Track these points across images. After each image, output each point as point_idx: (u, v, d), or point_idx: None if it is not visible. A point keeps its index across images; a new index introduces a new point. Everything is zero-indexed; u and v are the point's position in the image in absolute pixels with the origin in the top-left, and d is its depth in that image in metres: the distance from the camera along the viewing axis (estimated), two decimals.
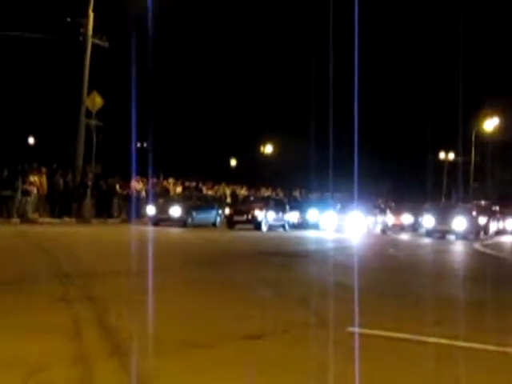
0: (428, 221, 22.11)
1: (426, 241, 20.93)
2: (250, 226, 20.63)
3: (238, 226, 20.67)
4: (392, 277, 10.02)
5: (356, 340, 4.14)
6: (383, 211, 25.29)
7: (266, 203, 21.54)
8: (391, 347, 4.14)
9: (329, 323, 4.93)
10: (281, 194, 26.97)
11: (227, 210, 21.95)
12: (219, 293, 7.05)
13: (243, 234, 19.07)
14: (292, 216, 22.67)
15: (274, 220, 21.34)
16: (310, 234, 20.83)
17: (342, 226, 21.69)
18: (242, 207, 21.74)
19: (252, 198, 24.57)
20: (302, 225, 22.92)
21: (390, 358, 3.77)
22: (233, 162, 36.76)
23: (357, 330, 4.44)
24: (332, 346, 3.93)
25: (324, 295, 6.99)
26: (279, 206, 22.37)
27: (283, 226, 22.03)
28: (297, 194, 28.75)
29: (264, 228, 20.23)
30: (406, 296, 7.56)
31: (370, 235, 21.87)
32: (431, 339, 4.35)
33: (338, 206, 23.33)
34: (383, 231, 23.86)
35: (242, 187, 27.43)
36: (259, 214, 20.14)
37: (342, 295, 6.83)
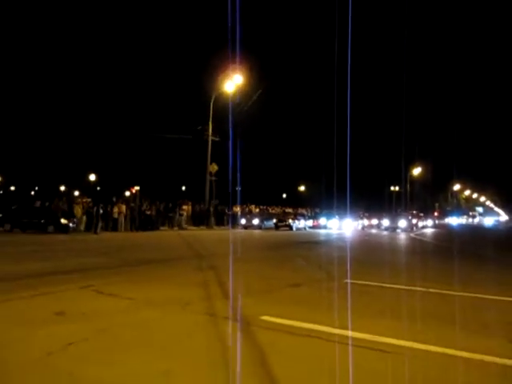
0: (385, 222, 37.97)
1: (385, 233, 35.03)
2: (287, 228, 34.41)
3: (281, 228, 34.58)
4: (368, 251, 16.90)
5: (349, 286, 7.37)
6: (362, 218, 45.59)
7: (294, 215, 37.45)
8: (367, 290, 7.35)
9: (334, 278, 8.44)
10: (305, 211, 43.18)
11: (274, 220, 36.36)
12: (276, 263, 11.52)
13: (284, 233, 30.83)
14: (309, 222, 39.84)
15: (299, 224, 35.97)
16: (321, 231, 35.25)
17: (340, 226, 38.44)
18: (282, 218, 36.65)
19: (287, 212, 41.42)
20: (316, 227, 39.38)
21: (365, 294, 6.93)
22: (284, 195, 63.86)
23: (349, 281, 7.89)
24: (336, 289, 7.11)
25: (331, 263, 11.10)
26: (302, 217, 38.93)
27: (304, 228, 36.99)
28: (317, 210, 50.11)
29: (293, 229, 34.37)
30: (375, 261, 12.46)
31: (355, 231, 37.69)
32: (387, 285, 7.70)
33: (338, 216, 40.47)
34: (362, 228, 41.44)
35: (288, 207, 44.20)
36: (291, 221, 34.95)
37: (341, 262, 11.03)
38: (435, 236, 33.38)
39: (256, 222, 35.80)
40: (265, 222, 35.59)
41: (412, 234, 32.17)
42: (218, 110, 33.26)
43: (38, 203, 25.96)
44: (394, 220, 39.01)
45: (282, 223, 34.83)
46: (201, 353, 3.88)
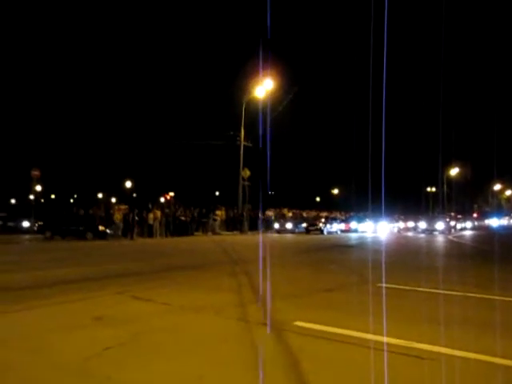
0: (422, 224, 36.33)
1: (422, 235, 34.26)
2: (318, 232, 33.72)
3: (312, 232, 33.81)
4: (403, 254, 16.40)
5: (383, 291, 7.14)
6: (397, 221, 45.30)
7: (326, 219, 36.57)
8: (402, 294, 7.25)
9: (368, 282, 8.25)
10: (338, 214, 42.29)
11: (304, 224, 35.42)
12: (309, 267, 11.44)
13: (316, 237, 30.44)
14: (341, 226, 38.25)
15: (330, 228, 35.43)
16: (353, 235, 34.13)
17: (375, 229, 38.06)
18: (313, 222, 36.03)
19: (318, 216, 40.44)
20: (348, 231, 38.09)
21: (400, 298, 6.84)
22: (317, 198, 59.84)
23: (384, 285, 7.71)
24: (369, 294, 6.94)
25: (365, 266, 10.69)
26: (334, 220, 38.03)
27: (336, 232, 35.98)
28: (351, 213, 48.18)
29: (325, 233, 33.91)
30: (411, 265, 12.14)
31: (390, 234, 37.39)
32: (423, 289, 7.52)
33: (371, 219, 40.18)
34: (398, 231, 41.00)
35: (321, 210, 43.76)
36: (322, 225, 34.53)
37: (375, 266, 10.66)
38: (474, 238, 32.35)
39: (289, 226, 35.29)
40: (298, 226, 35.06)
41: (450, 237, 31.38)
42: (250, 116, 33.49)
43: (81, 211, 26.75)
44: (430, 222, 38.52)
45: (313, 227, 34.28)
46: (234, 358, 3.91)
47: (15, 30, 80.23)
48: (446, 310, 5.95)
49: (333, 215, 41.75)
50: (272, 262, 11.09)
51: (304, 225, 34.80)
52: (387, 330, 4.68)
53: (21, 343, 4.34)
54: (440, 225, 37.40)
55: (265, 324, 5.08)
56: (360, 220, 39.92)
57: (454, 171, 60.70)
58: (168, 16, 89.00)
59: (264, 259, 12.36)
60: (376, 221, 39.41)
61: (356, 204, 49.91)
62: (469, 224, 52.86)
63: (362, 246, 22.26)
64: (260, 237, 29.33)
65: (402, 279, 8.69)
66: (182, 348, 4.23)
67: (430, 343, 4.23)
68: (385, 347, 4.14)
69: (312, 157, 68.44)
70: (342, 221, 39.82)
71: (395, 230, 41.85)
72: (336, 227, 36.49)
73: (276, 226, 35.55)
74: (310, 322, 5.09)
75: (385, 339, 4.37)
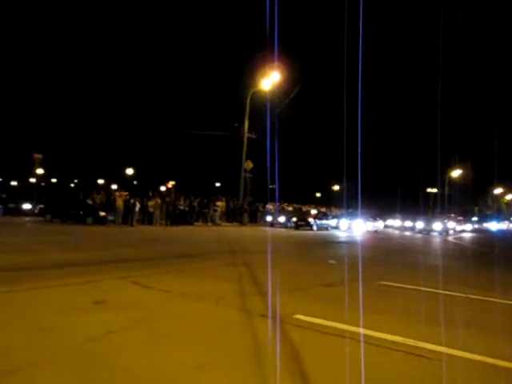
0: (419, 224, 35.01)
1: (419, 235, 33.98)
2: (308, 228, 31.30)
3: (302, 228, 31.37)
4: (402, 254, 16.41)
5: (383, 288, 7.45)
6: (376, 220, 40.06)
7: (316, 214, 34.31)
8: (402, 292, 7.25)
9: (367, 279, 8.22)
10: (329, 210, 41.56)
11: (294, 219, 32.95)
12: (307, 261, 11.46)
13: (309, 233, 28.62)
14: (333, 222, 35.59)
15: (320, 224, 32.72)
16: (341, 232, 31.96)
17: (350, 227, 34.88)
18: (302, 216, 33.36)
19: (307, 211, 37.26)
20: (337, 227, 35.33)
21: (402, 298, 6.78)
22: (318, 194, 58.68)
23: (384, 283, 7.88)
24: (369, 291, 7.06)
25: (363, 264, 10.92)
26: (325, 216, 35.26)
27: (327, 228, 33.37)
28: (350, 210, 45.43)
29: (314, 228, 31.30)
30: (410, 264, 12.24)
31: (367, 232, 34.13)
32: (424, 288, 7.46)
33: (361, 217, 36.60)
34: (375, 231, 36.34)
35: (322, 206, 43.60)
36: (311, 220, 32.02)
37: (374, 263, 11.35)
38: (474, 240, 32.41)
39: (282, 219, 33.90)
40: (290, 221, 33.26)
41: (450, 238, 31.42)
42: (254, 108, 33.30)
43: (82, 196, 26.77)
44: (428, 222, 37.80)
45: (303, 222, 32.22)
46: (235, 348, 3.91)
47: (16, 19, 79.77)
48: (446, 310, 5.94)
49: (324, 210, 40.69)
50: (272, 254, 11.11)
51: (294, 219, 33.02)
52: (387, 327, 4.70)
53: (21, 324, 4.34)
54: (437, 225, 36.85)
55: (266, 315, 5.08)
56: (350, 217, 37.97)
57: (455, 173, 60.39)
58: (176, 6, 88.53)
59: (264, 251, 12.37)
60: (367, 219, 37.44)
61: (354, 201, 50.22)
62: (469, 226, 52.90)
63: (357, 243, 22.19)
64: (261, 229, 29.28)
65: (401, 278, 8.69)
66: (183, 335, 4.23)
67: (429, 342, 4.23)
68: (383, 344, 4.15)
69: (313, 152, 68.39)
70: (334, 217, 37.52)
71: (372, 228, 37.67)
72: (326, 223, 33.96)
73: (268, 218, 34.29)
74: (310, 315, 5.10)
75: (384, 336, 4.39)
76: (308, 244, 19.52)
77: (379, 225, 40.72)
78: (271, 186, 32.84)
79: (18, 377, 3.08)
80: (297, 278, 8.48)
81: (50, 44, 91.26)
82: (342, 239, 23.61)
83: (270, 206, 36.91)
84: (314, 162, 68.34)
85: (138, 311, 5.04)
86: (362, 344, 4.16)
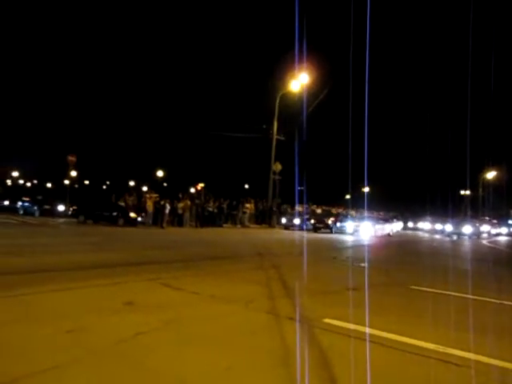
0: (448, 227, 34.26)
1: (447, 239, 32.16)
2: (327, 231, 29.83)
3: (320, 230, 29.92)
4: (432, 257, 16.99)
5: (413, 293, 7.29)
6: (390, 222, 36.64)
7: (336, 216, 32.81)
8: (433, 297, 6.99)
9: (397, 283, 8.41)
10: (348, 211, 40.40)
11: (312, 221, 31.56)
12: (334, 264, 11.36)
13: (328, 236, 27.28)
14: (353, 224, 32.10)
15: (340, 227, 30.85)
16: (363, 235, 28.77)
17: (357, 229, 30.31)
18: (321, 218, 31.82)
19: (327, 213, 35.41)
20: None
21: (432, 303, 6.49)
22: (347, 196, 59.02)
23: (414, 287, 7.73)
24: (399, 295, 7.13)
25: (393, 267, 11.26)
26: (346, 218, 32.73)
27: (344, 230, 30.48)
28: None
29: (333, 231, 29.80)
30: (441, 268, 11.81)
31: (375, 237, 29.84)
32: (455, 294, 7.28)
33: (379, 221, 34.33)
34: (383, 235, 31.82)
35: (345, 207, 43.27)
36: (331, 222, 30.71)
37: (403, 267, 11.43)
38: (509, 244, 31.41)
39: (297, 221, 31.68)
40: (306, 223, 31.30)
41: (484, 241, 30.49)
42: (283, 110, 33.24)
43: (113, 197, 27.30)
44: (457, 225, 34.94)
45: (321, 224, 30.73)
46: (263, 352, 3.91)
47: (52, 21, 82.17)
48: (479, 317, 5.77)
49: (343, 211, 39.64)
50: (301, 257, 11.05)
51: (312, 221, 31.32)
52: (417, 333, 4.61)
53: (56, 323, 4.45)
54: (467, 228, 34.25)
55: (294, 319, 5.06)
56: (360, 220, 35.63)
57: (490, 175, 58.07)
58: (206, 7, 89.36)
59: (292, 254, 12.32)
60: (398, 220, 36.39)
61: (385, 203, 49.25)
62: (504, 230, 50.93)
63: (384, 246, 21.82)
64: (290, 232, 29.10)
65: (432, 282, 8.48)
66: (212, 338, 4.26)
67: (460, 349, 4.13)
68: (414, 350, 4.08)
69: (344, 153, 67.79)
70: (356, 219, 36.10)
71: (385, 232, 33.39)
72: (345, 225, 31.27)
73: (283, 220, 32.85)
74: (339, 319, 5.05)
75: (414, 342, 4.31)
76: (332, 247, 19.34)
77: (395, 227, 37.53)
78: (300, 188, 32.61)
79: (52, 376, 3.16)
80: (325, 281, 8.43)
81: (87, 49, 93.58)
82: (365, 242, 23.27)
83: (298, 208, 36.73)
84: (343, 164, 67.77)
85: (167, 313, 5.10)
86: (391, 350, 4.09)
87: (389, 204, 51.39)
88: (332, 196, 54.26)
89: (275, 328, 4.69)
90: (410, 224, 43.59)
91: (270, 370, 3.46)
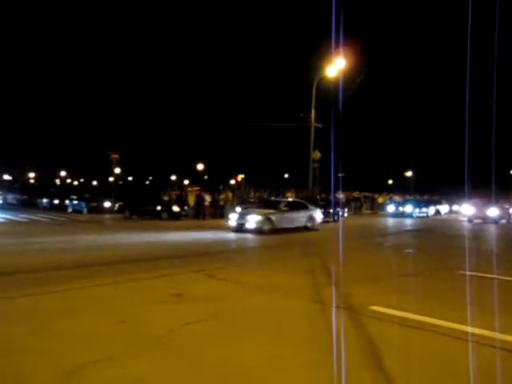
0: (469, 210, 28.15)
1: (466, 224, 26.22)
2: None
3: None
4: (481, 242, 17.14)
5: (466, 278, 6.82)
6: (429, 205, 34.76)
7: (413, 203, 32.86)
8: (487, 283, 6.77)
9: (447, 268, 8.10)
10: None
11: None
12: (380, 250, 11.27)
13: (399, 220, 26.12)
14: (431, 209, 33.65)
15: (419, 212, 31.75)
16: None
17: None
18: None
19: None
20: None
21: (487, 289, 6.31)
22: (390, 181, 57.03)
23: (466, 272, 7.31)
24: (450, 280, 6.92)
25: (441, 252, 10.94)
26: (422, 205, 33.28)
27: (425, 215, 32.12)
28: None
29: (413, 216, 30.50)
30: (485, 253, 11.32)
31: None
32: (500, 277, 7.09)
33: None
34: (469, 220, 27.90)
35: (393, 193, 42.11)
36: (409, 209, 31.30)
37: (454, 252, 10.81)
38: None
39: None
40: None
41: None
42: (321, 96, 32.71)
43: (162, 193, 27.90)
44: (481, 208, 28.04)
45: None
46: (310, 340, 3.91)
47: (78, 25, 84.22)
48: None
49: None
50: (344, 244, 10.90)
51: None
52: (471, 320, 4.45)
53: (109, 315, 4.62)
54: (493, 211, 27.57)
55: (340, 307, 5.01)
56: (417, 204, 35.47)
57: None
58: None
59: (336, 241, 12.18)
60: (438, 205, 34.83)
61: (432, 187, 47.80)
62: None
63: (434, 230, 21.05)
64: (330, 219, 28.78)
65: (486, 267, 8.09)
66: (259, 327, 4.29)
67: None
68: (469, 337, 3.93)
69: (385, 139, 66.00)
70: (398, 203, 33.81)
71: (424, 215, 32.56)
72: (422, 211, 31.72)
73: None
74: (387, 306, 4.96)
75: (469, 329, 4.15)
76: (375, 232, 18.94)
77: (439, 209, 35.98)
78: (340, 175, 32.24)
79: (109, 364, 3.29)
80: (371, 267, 8.27)
81: (127, 49, 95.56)
82: (408, 227, 22.60)
83: (339, 196, 36.34)
84: (384, 149, 66.03)
85: (213, 303, 5.18)
86: (442, 337, 3.99)
87: (438, 188, 49.65)
88: (374, 182, 53.31)
89: (321, 316, 4.66)
90: (456, 207, 41.44)
91: (318, 359, 3.45)
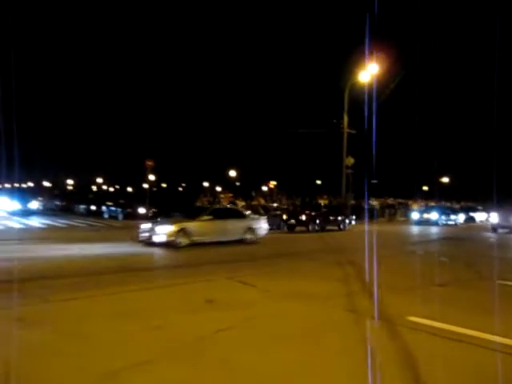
0: (494, 218, 25.46)
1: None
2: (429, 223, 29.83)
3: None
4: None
5: (503, 289, 6.71)
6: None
7: (438, 210, 32.23)
8: None
9: (484, 278, 7.90)
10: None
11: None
12: (415, 259, 10.87)
13: (426, 228, 27.15)
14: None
15: (446, 220, 31.20)
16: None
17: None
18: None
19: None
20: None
21: None
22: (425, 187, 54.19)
23: (501, 282, 7.13)
24: (487, 291, 6.52)
25: (478, 261, 10.48)
26: (449, 212, 32.82)
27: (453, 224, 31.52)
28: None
29: (439, 224, 30.07)
30: None
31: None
32: None
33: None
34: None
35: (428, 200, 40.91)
36: (435, 216, 30.92)
37: (489, 261, 10.43)
38: None
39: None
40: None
41: None
42: (353, 102, 32.39)
43: (201, 198, 28.25)
44: (506, 217, 24.75)
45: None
46: (343, 350, 3.83)
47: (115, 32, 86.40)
48: None
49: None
50: (378, 252, 10.65)
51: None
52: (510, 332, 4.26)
53: (143, 320, 4.68)
54: None
55: (375, 317, 4.90)
56: (443, 211, 32.58)
57: None
58: (273, 3, 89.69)
59: (370, 249, 11.89)
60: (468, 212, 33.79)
61: (471, 193, 46.19)
62: None
63: (468, 239, 20.25)
64: (364, 227, 28.26)
65: None
66: (291, 335, 4.24)
67: None
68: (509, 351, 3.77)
69: (419, 144, 64.47)
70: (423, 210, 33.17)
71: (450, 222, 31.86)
72: (449, 219, 31.19)
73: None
74: (424, 317, 4.80)
75: (509, 342, 3.98)
76: (406, 240, 18.51)
77: (475, 217, 35.53)
78: (374, 181, 31.78)
79: (144, 369, 3.31)
80: (406, 276, 8.07)
81: (164, 60, 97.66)
82: (438, 235, 21.91)
83: (372, 202, 35.88)
84: (420, 155, 64.50)
85: (245, 310, 5.16)
86: (483, 350, 3.82)
87: (477, 194, 47.89)
88: (408, 188, 52.22)
89: (354, 326, 4.57)
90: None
91: (351, 370, 3.37)
